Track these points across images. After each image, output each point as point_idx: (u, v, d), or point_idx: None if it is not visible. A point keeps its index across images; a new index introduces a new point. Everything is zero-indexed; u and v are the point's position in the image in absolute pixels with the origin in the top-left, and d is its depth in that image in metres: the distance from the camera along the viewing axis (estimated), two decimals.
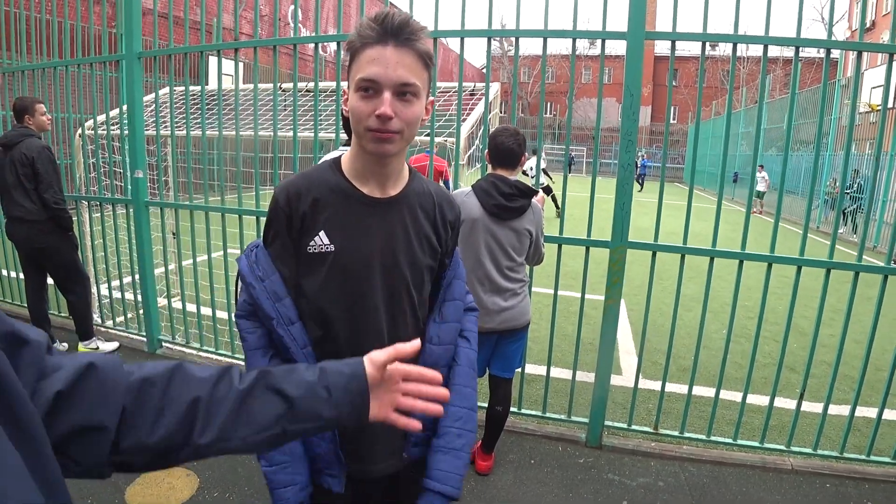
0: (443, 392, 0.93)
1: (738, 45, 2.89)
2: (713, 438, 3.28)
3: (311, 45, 3.37)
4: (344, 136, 3.02)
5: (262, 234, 1.30)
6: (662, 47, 3.60)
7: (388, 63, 1.10)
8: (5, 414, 0.51)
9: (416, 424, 0.92)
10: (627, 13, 2.82)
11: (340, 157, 1.31)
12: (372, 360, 0.89)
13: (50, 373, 0.65)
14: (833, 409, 3.68)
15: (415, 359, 1.32)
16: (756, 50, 2.97)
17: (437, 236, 1.35)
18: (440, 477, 1.31)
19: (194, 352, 4.36)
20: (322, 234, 1.23)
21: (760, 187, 17.89)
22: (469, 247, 2.71)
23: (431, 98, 1.25)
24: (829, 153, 16.00)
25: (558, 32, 2.99)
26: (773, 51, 2.98)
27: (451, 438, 1.34)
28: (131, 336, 4.66)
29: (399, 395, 0.91)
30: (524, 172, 3.40)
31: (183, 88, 3.95)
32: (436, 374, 0.93)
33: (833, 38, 2.91)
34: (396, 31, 1.10)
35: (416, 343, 0.91)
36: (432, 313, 1.38)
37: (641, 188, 22.42)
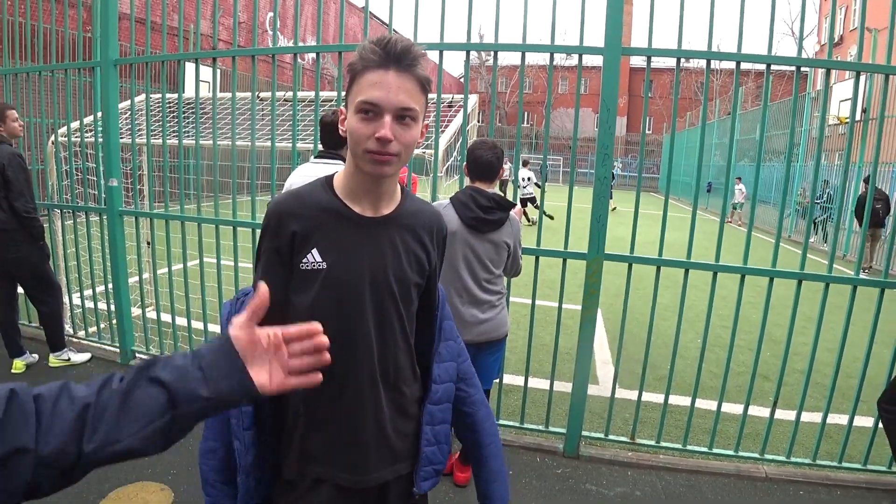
0: (323, 341, 0.94)
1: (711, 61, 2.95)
2: (689, 447, 3.32)
3: (290, 54, 3.36)
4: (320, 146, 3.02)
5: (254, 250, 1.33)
6: (637, 59, 3.68)
7: (389, 87, 1.14)
8: None
9: (316, 378, 0.94)
10: (604, 29, 2.86)
11: (333, 175, 1.34)
12: (234, 323, 0.88)
13: None
14: (805, 417, 3.75)
15: (423, 395, 1.42)
16: (729, 63, 3.04)
17: (427, 254, 1.38)
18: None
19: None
20: (315, 251, 1.26)
21: (738, 199, 18.31)
22: (447, 259, 2.71)
23: (426, 122, 1.28)
24: (799, 164, 16.37)
25: (537, 47, 3.03)
26: (746, 64, 3.05)
27: (500, 465, 1.50)
28: (104, 347, 4.57)
29: (286, 358, 0.91)
30: (516, 185, 3.43)
31: (159, 95, 3.91)
32: (314, 326, 0.93)
33: (804, 55, 3.00)
34: (399, 56, 1.14)
35: (263, 290, 0.90)
36: (433, 354, 1.45)
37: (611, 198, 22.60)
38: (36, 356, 4.28)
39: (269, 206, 1.30)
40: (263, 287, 0.90)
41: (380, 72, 1.14)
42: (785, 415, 3.79)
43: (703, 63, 2.95)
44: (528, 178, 14.10)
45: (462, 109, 3.40)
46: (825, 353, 4.30)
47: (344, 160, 3.00)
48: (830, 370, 3.19)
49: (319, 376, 0.94)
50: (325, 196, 1.29)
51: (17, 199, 3.84)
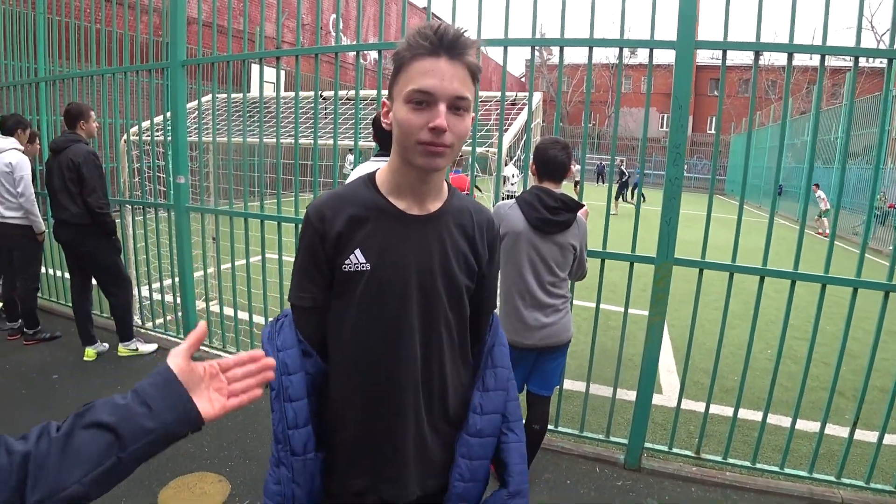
0: (269, 361, 0.96)
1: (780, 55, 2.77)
2: (758, 466, 3.13)
3: (352, 54, 3.37)
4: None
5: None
6: (703, 56, 3.53)
7: (443, 76, 1.08)
8: None
9: (256, 394, 0.95)
10: (676, 22, 2.73)
11: (375, 172, 1.28)
12: (173, 355, 0.88)
13: None
14: (889, 439, 3.50)
15: (442, 431, 1.32)
16: (800, 59, 2.83)
17: (475, 255, 1.31)
18: None
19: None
20: (358, 252, 1.20)
21: (824, 207, 16.17)
22: (511, 260, 2.65)
23: (473, 114, 1.21)
24: (879, 165, 15.41)
25: (605, 41, 2.92)
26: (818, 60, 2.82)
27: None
28: (170, 338, 4.73)
29: (226, 385, 0.92)
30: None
31: (225, 96, 4.00)
32: (255, 353, 0.96)
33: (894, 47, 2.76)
34: (451, 44, 1.08)
35: (202, 326, 0.92)
36: (476, 381, 1.37)
37: (644, 199, 21.35)
38: (107, 345, 4.46)
39: (309, 206, 1.25)
40: (202, 324, 0.92)
41: (431, 59, 1.08)
42: (864, 436, 3.53)
43: (773, 60, 2.78)
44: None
45: (526, 107, 3.32)
46: None
47: None
48: None
49: (259, 392, 0.95)
50: (367, 194, 1.23)
51: (90, 195, 4.01)
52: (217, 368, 0.91)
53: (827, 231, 16.06)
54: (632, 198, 21.04)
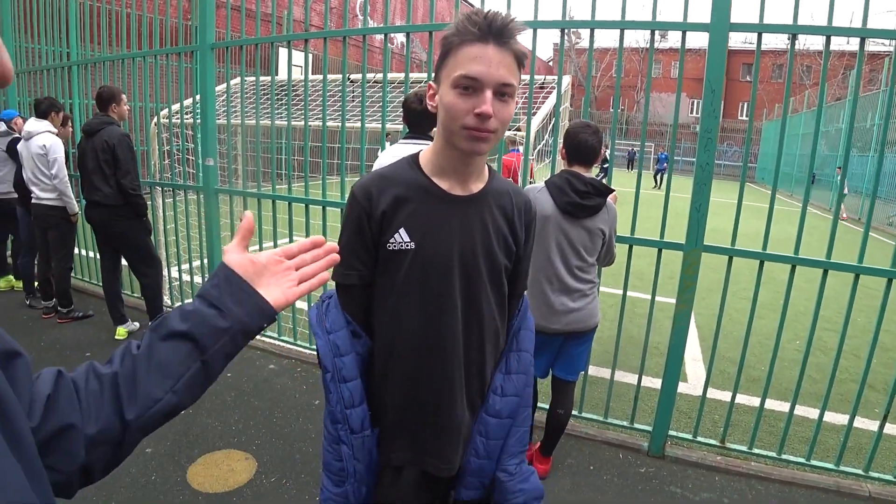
0: (332, 245, 0.93)
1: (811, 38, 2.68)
2: (784, 457, 3.09)
3: (380, 37, 3.36)
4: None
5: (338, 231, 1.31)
6: (735, 39, 3.39)
7: (490, 62, 1.09)
8: (6, 429, 0.53)
9: (324, 278, 0.92)
10: (711, 4, 2.66)
11: (419, 153, 1.31)
12: (226, 251, 0.87)
13: (34, 380, 0.69)
14: None
15: (477, 407, 1.36)
16: (836, 43, 2.73)
17: (514, 236, 1.34)
18: None
19: (258, 336, 4.46)
20: (402, 231, 1.23)
21: (843, 191, 16.67)
22: (539, 244, 2.64)
23: (516, 99, 1.23)
24: None
25: (637, 24, 2.86)
26: (856, 43, 2.72)
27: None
28: None
29: (292, 271, 0.90)
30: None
31: (254, 79, 4.02)
32: (318, 238, 0.93)
33: None
34: (500, 30, 1.10)
35: (248, 217, 0.88)
36: (499, 364, 1.40)
37: (659, 185, 21.78)
38: (137, 324, 4.57)
39: (355, 186, 1.28)
40: (248, 214, 0.88)
41: (479, 45, 1.10)
42: (895, 430, 3.46)
43: (809, 44, 2.69)
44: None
45: (555, 90, 3.28)
46: None
47: (432, 141, 2.98)
48: None
49: (327, 276, 0.93)
50: (412, 174, 1.26)
51: (124, 176, 4.08)
52: (280, 256, 0.90)
53: (845, 215, 16.23)
54: (659, 185, 21.95)
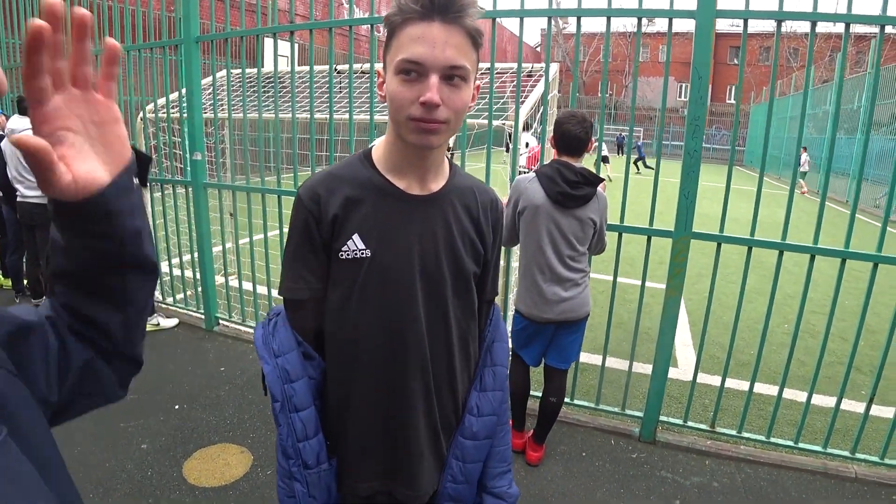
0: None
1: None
2: (773, 440, 3.14)
3: (366, 27, 3.33)
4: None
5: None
6: (722, 23, 3.38)
7: (434, 42, 0.95)
8: (14, 428, 0.52)
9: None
10: None
11: (370, 148, 1.17)
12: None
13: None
14: None
15: (452, 427, 1.26)
16: (823, 25, 2.74)
17: (481, 237, 1.22)
18: None
19: (251, 330, 4.46)
20: (356, 237, 1.10)
21: (804, 168, 18.42)
22: (531, 234, 2.65)
23: (478, 83, 1.09)
24: None
25: (623, 11, 2.85)
26: (843, 24, 2.73)
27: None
28: (190, 313, 4.80)
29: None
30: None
31: (240, 71, 3.99)
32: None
33: None
34: (444, 5, 0.95)
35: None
36: (473, 381, 1.28)
37: (639, 171, 22.21)
38: None
39: (301, 187, 1.13)
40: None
41: (423, 24, 0.95)
42: (880, 411, 3.52)
43: (795, 28, 2.69)
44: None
45: (542, 78, 3.27)
46: None
47: None
48: None
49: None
50: (364, 172, 1.12)
51: None
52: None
53: (804, 189, 17.92)
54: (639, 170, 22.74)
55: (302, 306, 1.16)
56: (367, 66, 3.75)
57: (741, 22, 2.72)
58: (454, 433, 1.27)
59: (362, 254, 1.10)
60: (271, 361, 1.13)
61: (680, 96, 38.81)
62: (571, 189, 2.53)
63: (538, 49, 42.50)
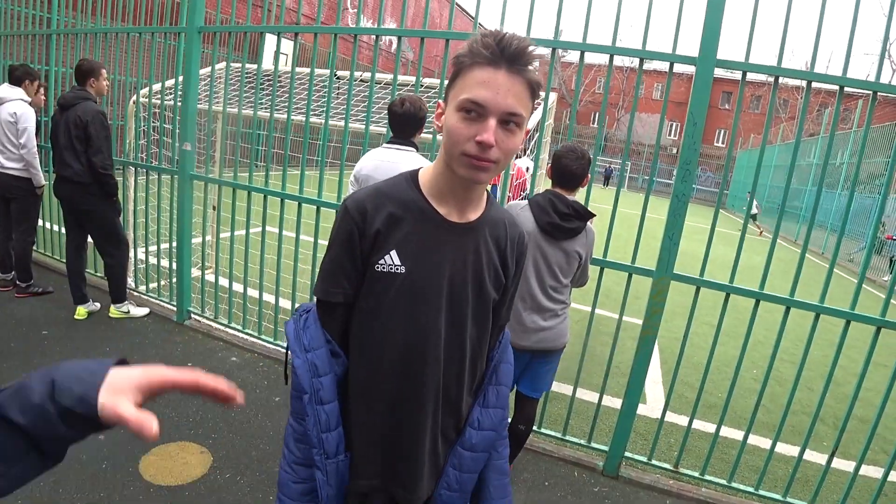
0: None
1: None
2: (734, 485, 3.16)
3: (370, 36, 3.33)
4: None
5: (326, 242, 1.26)
6: (718, 69, 3.47)
7: (498, 89, 1.04)
8: None
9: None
10: (700, 39, 2.71)
11: (418, 171, 1.26)
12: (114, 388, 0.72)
13: None
14: (867, 470, 3.53)
15: (451, 438, 1.33)
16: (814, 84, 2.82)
17: (504, 268, 1.30)
18: None
19: (222, 327, 4.40)
20: (393, 253, 1.18)
21: (755, 212, 19.83)
22: None
23: (528, 128, 1.19)
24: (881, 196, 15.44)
25: (626, 50, 2.90)
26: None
27: None
28: (162, 304, 4.72)
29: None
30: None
31: (239, 65, 3.97)
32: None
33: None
34: (513, 56, 1.04)
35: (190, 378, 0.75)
36: (476, 396, 1.37)
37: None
38: (98, 305, 4.45)
39: (349, 199, 1.21)
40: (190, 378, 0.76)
41: (490, 70, 1.04)
42: (841, 464, 3.57)
43: (786, 80, 2.76)
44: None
45: (540, 106, 3.30)
46: (892, 405, 4.05)
47: (415, 147, 2.98)
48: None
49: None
50: (410, 193, 1.21)
51: (95, 154, 3.98)
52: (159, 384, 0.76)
53: (761, 231, 19.17)
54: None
55: (335, 309, 1.25)
56: (367, 74, 3.75)
57: (775, 78, 2.76)
58: (454, 444, 1.34)
59: (397, 269, 1.18)
60: (302, 356, 1.21)
61: (670, 135, 39.48)
62: (561, 221, 2.55)
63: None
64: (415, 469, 1.29)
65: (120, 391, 0.72)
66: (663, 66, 3.09)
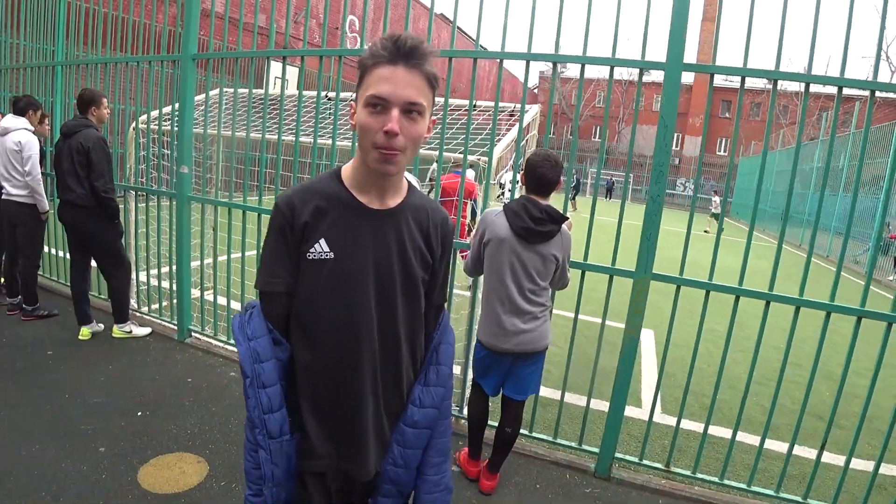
0: None
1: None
2: (726, 482, 3.19)
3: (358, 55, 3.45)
4: None
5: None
6: (717, 78, 3.55)
7: (398, 83, 1.17)
8: None
9: None
10: (667, 44, 2.81)
11: (341, 167, 1.38)
12: None
13: None
14: (859, 465, 3.55)
15: (397, 417, 1.41)
16: (814, 86, 2.86)
17: (430, 249, 1.41)
18: None
19: (221, 344, 4.49)
20: (322, 241, 1.29)
21: (714, 209, 21.17)
22: (494, 266, 2.73)
23: (434, 118, 1.32)
24: (883, 196, 15.38)
25: (596, 59, 3.00)
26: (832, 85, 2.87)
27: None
28: (164, 323, 4.82)
29: None
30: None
31: (242, 89, 4.10)
32: None
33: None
34: (408, 53, 1.18)
35: None
36: (418, 376, 1.46)
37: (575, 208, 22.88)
38: (102, 326, 4.57)
39: (279, 196, 1.33)
40: None
41: (389, 67, 1.18)
42: (835, 459, 3.59)
43: (786, 86, 2.84)
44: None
45: (526, 117, 3.39)
46: (887, 399, 4.06)
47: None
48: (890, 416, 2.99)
49: None
50: (333, 187, 1.33)
51: (97, 179, 4.12)
52: None
53: (709, 229, 20.00)
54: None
55: (275, 298, 1.34)
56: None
57: (736, 77, 2.84)
58: (398, 422, 1.43)
59: (327, 255, 1.29)
60: (245, 344, 1.31)
61: (673, 145, 39.53)
62: (535, 225, 2.63)
63: (536, 91, 43.44)
64: (361, 443, 1.37)
65: None
66: (660, 76, 3.20)
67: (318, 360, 1.34)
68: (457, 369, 4.11)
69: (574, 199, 24.84)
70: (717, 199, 20.68)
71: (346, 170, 1.35)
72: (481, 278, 2.99)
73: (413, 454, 1.43)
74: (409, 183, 1.42)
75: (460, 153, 3.46)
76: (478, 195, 5.77)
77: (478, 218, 3.00)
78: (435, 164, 3.67)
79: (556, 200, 2.86)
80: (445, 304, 1.54)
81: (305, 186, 1.34)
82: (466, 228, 5.94)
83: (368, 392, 1.35)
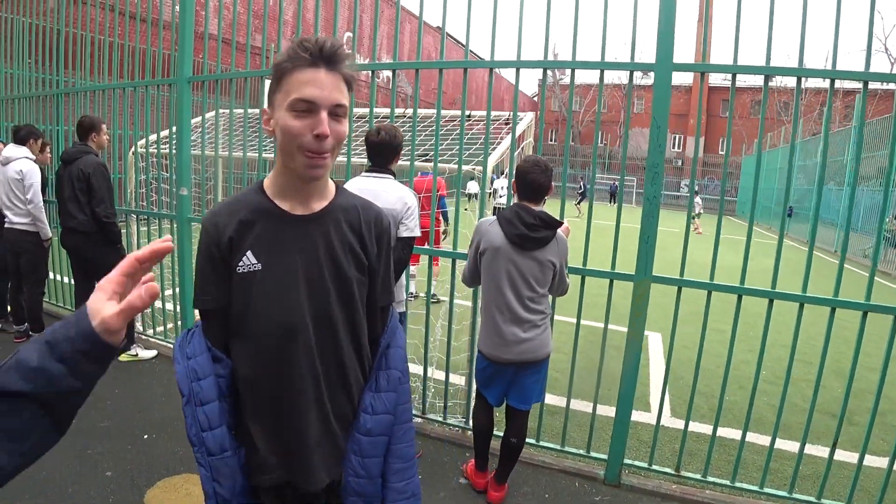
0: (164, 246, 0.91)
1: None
2: (738, 485, 3.14)
3: (366, 73, 3.45)
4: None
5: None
6: (715, 78, 3.60)
7: (323, 86, 1.17)
8: None
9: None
10: (656, 44, 2.81)
11: (263, 179, 1.37)
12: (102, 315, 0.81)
13: None
14: (873, 461, 3.49)
15: (349, 426, 1.38)
16: (814, 81, 2.87)
17: (364, 248, 1.38)
18: None
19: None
20: (249, 253, 1.29)
21: (697, 210, 20.27)
22: (490, 275, 2.72)
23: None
24: (889, 188, 15.28)
25: (586, 63, 3.00)
26: (835, 82, 2.86)
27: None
28: (169, 345, 4.83)
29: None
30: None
31: (238, 110, 4.13)
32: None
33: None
34: (330, 56, 1.18)
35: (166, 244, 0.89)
36: (368, 382, 1.43)
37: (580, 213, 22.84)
38: None
39: (204, 217, 1.33)
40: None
41: (312, 70, 1.17)
42: (848, 457, 3.54)
43: (786, 83, 2.83)
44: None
45: (520, 125, 3.40)
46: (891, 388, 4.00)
47: (393, 174, 3.08)
48: None
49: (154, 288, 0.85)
50: (255, 198, 1.32)
51: (98, 205, 4.15)
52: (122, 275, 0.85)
53: (700, 230, 18.81)
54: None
55: (211, 315, 1.34)
56: (362, 110, 3.89)
57: (732, 76, 2.84)
58: (352, 431, 1.40)
59: (255, 267, 1.29)
60: (183, 363, 1.30)
61: (674, 147, 39.57)
62: (529, 231, 2.62)
63: (535, 99, 43.55)
64: (305, 454, 1.34)
65: (102, 303, 0.81)
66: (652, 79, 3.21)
67: (257, 371, 1.33)
68: (461, 380, 4.10)
69: (579, 204, 24.89)
70: (698, 199, 20.71)
71: (268, 180, 1.34)
72: (480, 289, 2.98)
73: (372, 463, 1.40)
74: (337, 185, 1.41)
75: (455, 163, 3.46)
76: (445, 193, 6.08)
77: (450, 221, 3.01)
78: (474, 181, 3.67)
79: (552, 206, 2.86)
80: (395, 305, 1.50)
81: (229, 202, 1.33)
82: (441, 235, 6.05)
83: (311, 400, 1.33)
